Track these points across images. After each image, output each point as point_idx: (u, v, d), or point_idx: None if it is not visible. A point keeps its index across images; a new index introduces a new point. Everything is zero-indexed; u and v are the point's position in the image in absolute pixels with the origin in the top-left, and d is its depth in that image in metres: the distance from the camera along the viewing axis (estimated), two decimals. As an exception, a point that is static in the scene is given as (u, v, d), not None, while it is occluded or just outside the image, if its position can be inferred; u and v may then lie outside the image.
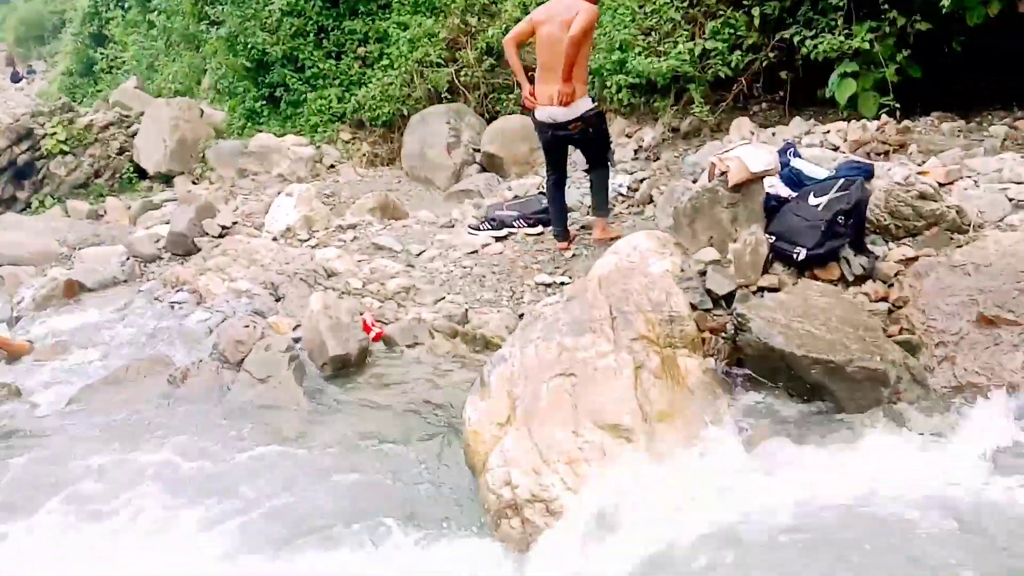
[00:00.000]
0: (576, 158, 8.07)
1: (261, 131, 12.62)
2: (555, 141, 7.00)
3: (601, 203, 7.28)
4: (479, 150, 11.01)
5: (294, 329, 6.35)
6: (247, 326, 6.07)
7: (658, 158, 8.96)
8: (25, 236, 10.27)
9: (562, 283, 6.69)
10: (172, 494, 4.38)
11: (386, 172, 11.68)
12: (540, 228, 7.81)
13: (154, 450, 4.79)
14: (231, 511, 4.20)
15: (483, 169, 10.90)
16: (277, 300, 7.07)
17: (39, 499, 4.38)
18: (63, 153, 11.83)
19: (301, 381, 5.50)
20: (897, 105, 7.85)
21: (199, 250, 8.94)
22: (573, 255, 7.22)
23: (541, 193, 8.31)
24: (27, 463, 4.79)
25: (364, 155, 11.87)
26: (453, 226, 8.47)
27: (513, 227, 7.87)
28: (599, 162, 7.23)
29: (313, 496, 4.30)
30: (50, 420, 5.37)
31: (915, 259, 5.19)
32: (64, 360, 6.53)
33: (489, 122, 11.26)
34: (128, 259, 8.78)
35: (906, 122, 7.69)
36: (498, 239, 7.81)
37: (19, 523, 4.22)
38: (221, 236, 9.12)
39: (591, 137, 6.93)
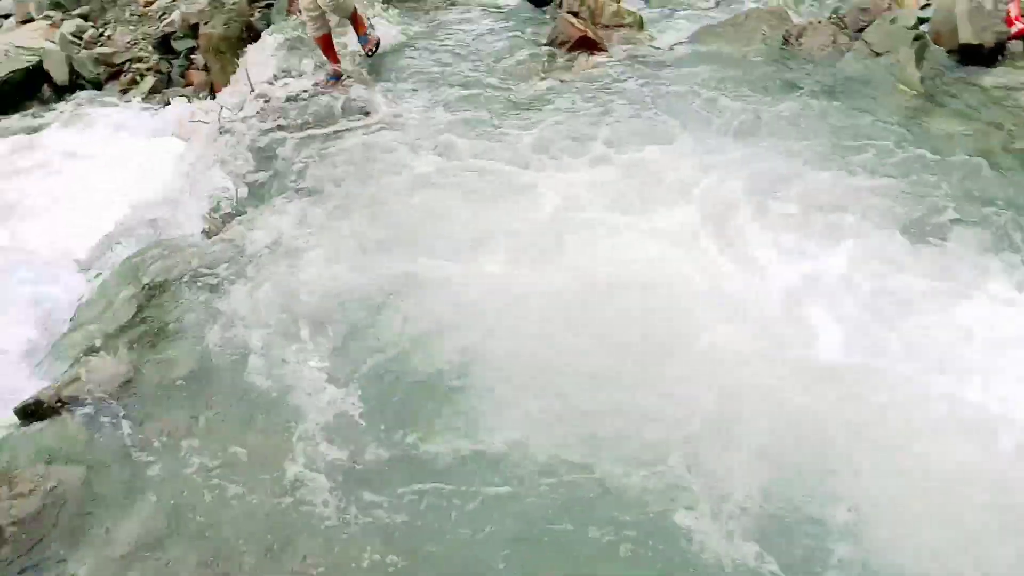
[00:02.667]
0: None
1: None
2: None
3: None
4: None
5: (922, 8, 5.77)
6: (875, -5, 5.66)
7: None
8: None
9: None
10: (775, 137, 4.49)
11: None
12: None
13: (759, 95, 4.87)
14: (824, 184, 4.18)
15: None
16: (909, -26, 6.42)
17: (658, 128, 4.78)
18: None
19: (921, 63, 5.05)
20: None
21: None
22: None
23: None
24: (648, 90, 5.18)
25: None
26: None
27: None
28: None
29: (917, 181, 4.09)
30: (668, 53, 5.67)
31: None
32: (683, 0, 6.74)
33: None
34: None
35: None
36: None
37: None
38: None
39: None
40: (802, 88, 4.94)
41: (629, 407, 3.12)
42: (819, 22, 5.66)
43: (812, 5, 6.21)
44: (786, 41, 5.53)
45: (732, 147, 4.44)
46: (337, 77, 5.66)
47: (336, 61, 5.73)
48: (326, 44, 5.67)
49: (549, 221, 4.07)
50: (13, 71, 6.61)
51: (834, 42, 5.42)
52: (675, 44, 5.85)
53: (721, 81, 5.08)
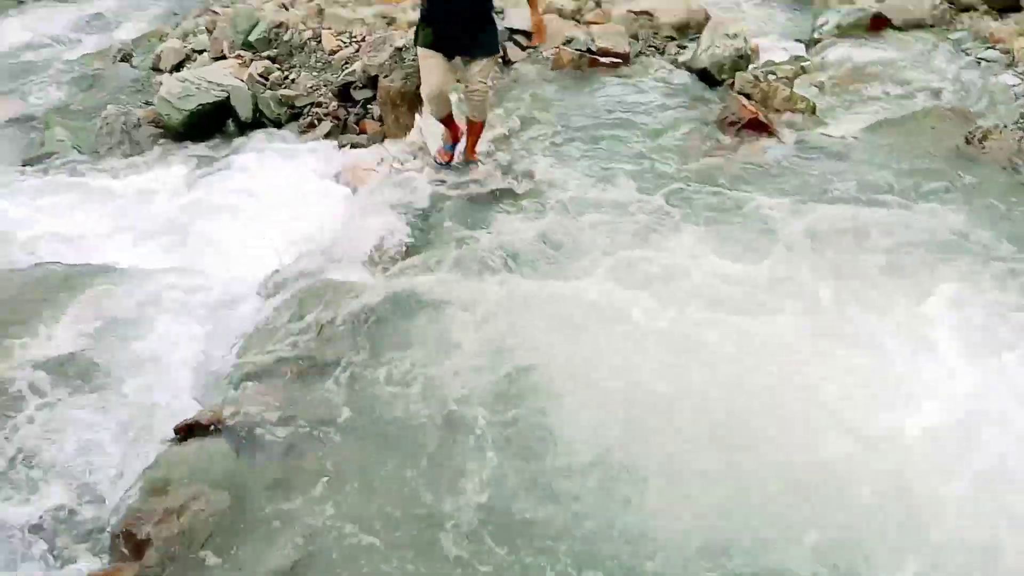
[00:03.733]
0: None
1: None
2: None
3: None
4: None
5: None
6: (1070, 104, 5.40)
7: None
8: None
9: None
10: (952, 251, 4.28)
11: None
12: None
13: (934, 197, 4.70)
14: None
15: None
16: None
17: (826, 218, 4.66)
18: None
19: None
20: None
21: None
22: None
23: None
24: (816, 178, 5.07)
25: None
26: None
27: None
28: None
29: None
30: (840, 142, 5.56)
31: None
32: (859, 90, 6.61)
33: None
34: (940, 4, 8.28)
35: None
36: None
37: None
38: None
39: None
40: (982, 194, 4.74)
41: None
42: (1005, 127, 5.43)
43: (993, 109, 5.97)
44: (968, 143, 5.33)
45: (905, 249, 4.26)
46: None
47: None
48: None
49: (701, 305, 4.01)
50: (203, 103, 7.05)
51: (1020, 149, 5.18)
52: (848, 134, 5.73)
53: (895, 178, 4.94)
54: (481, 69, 5.25)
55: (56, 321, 4.53)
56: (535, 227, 4.76)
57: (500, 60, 7.27)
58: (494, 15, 5.26)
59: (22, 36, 10.93)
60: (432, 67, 5.19)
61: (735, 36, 6.85)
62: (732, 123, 5.85)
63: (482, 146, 5.77)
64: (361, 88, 6.91)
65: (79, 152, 7.03)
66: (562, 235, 4.68)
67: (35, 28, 11.26)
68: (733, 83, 6.52)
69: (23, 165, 6.91)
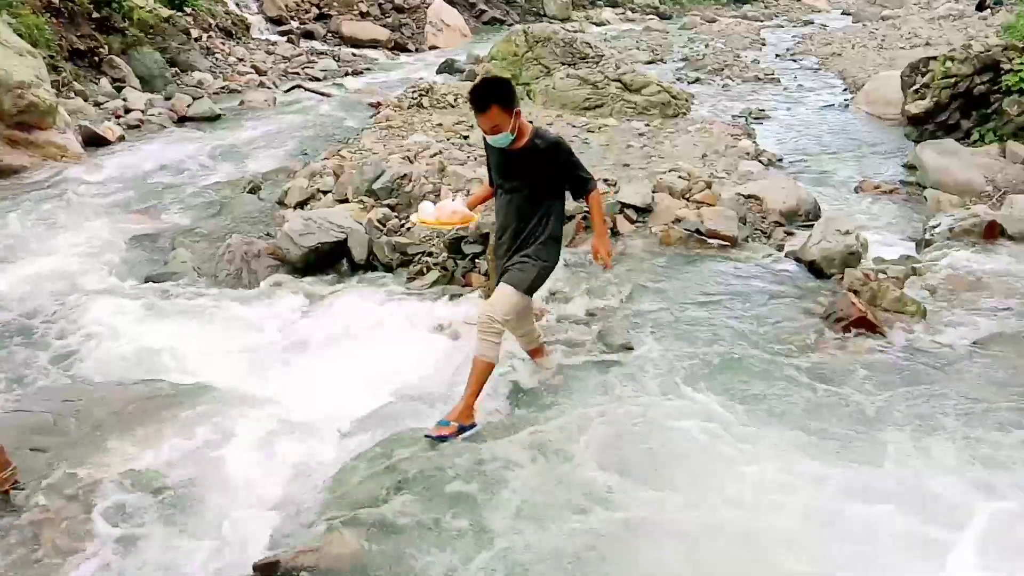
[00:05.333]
0: None
1: None
2: None
3: None
4: None
5: None
6: None
7: None
8: (957, 165, 10.36)
9: None
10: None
11: None
12: None
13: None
14: None
15: None
16: None
17: (933, 435, 4.51)
18: (1021, 92, 11.38)
19: None
20: None
21: None
22: None
23: None
24: (927, 389, 4.92)
25: None
26: None
27: None
28: None
29: None
30: (950, 352, 5.42)
31: None
32: (971, 298, 6.46)
33: None
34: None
35: None
36: None
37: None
38: None
39: None
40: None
41: None
42: None
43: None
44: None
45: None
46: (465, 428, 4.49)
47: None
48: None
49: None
50: (322, 242, 7.37)
51: None
52: (957, 344, 5.57)
53: (1003, 396, 4.74)
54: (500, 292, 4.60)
55: (154, 438, 4.67)
56: (626, 409, 4.72)
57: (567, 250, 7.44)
58: (546, 239, 4.62)
59: (166, 157, 11.78)
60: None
61: (847, 233, 6.83)
62: (839, 319, 5.76)
63: (580, 311, 5.90)
64: (472, 243, 7.13)
65: (199, 275, 7.40)
66: (649, 421, 4.61)
67: (178, 151, 12.15)
68: (842, 278, 6.46)
69: (145, 281, 7.30)
